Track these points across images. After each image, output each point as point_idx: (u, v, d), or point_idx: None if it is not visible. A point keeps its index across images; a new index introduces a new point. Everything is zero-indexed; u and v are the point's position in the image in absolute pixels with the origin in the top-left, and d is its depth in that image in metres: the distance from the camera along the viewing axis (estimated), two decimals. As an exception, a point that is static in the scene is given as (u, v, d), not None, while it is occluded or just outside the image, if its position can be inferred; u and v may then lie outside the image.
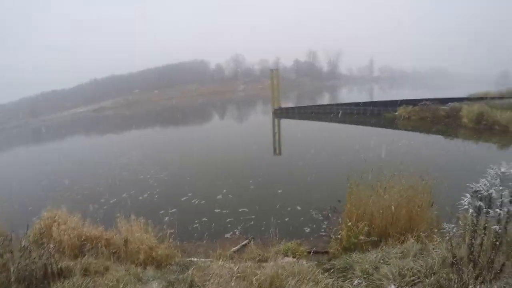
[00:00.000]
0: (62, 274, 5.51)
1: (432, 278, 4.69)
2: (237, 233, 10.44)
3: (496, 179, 4.80)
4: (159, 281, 5.84)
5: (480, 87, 43.13)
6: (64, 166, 20.84)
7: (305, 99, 74.15)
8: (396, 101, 35.51)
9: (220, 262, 6.30)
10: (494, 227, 4.31)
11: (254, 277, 5.17)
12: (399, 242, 7.02)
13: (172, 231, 8.37)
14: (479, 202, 4.45)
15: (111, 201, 13.38)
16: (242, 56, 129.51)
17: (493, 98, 31.35)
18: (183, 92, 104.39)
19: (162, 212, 11.16)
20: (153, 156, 22.66)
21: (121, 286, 5.17)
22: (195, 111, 65.38)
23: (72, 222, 7.75)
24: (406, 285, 4.86)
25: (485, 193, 4.48)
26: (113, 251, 7.15)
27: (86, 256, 6.48)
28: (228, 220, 11.36)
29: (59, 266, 5.55)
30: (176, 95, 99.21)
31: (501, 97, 31.30)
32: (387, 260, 5.91)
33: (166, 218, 9.95)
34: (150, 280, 5.92)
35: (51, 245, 5.74)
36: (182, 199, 13.52)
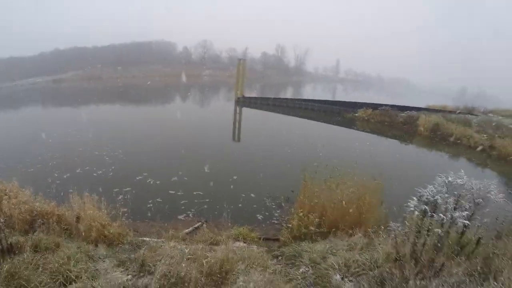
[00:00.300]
0: (12, 250, 5.30)
1: (376, 271, 4.90)
2: (190, 215, 10.35)
3: (443, 187, 5.08)
4: (110, 260, 5.78)
5: (438, 99, 44.95)
6: (15, 137, 19.78)
7: (269, 91, 74.20)
8: (358, 103, 36.55)
9: (171, 243, 6.29)
10: (437, 230, 4.55)
11: (204, 259, 5.19)
12: (347, 235, 7.27)
13: (125, 210, 8.20)
14: (425, 206, 4.69)
15: (65, 176, 12.77)
16: (210, 42, 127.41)
17: (450, 111, 32.91)
18: (148, 71, 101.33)
19: (116, 190, 10.84)
20: (110, 133, 21.79)
21: (72, 264, 5.07)
22: (157, 92, 63.89)
23: (23, 196, 7.40)
24: (351, 276, 5.05)
25: (431, 199, 4.73)
26: (65, 227, 6.93)
27: (37, 231, 6.24)
28: (183, 202, 11.23)
29: (9, 242, 5.34)
30: (139, 74, 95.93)
31: (458, 112, 32.89)
32: (334, 251, 6.12)
33: (120, 197, 9.70)
34: (102, 259, 5.84)
35: (1, 219, 5.49)
36: (137, 178, 13.19)
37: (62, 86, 66.25)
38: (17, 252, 5.30)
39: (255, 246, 7.08)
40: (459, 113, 32.25)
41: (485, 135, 23.72)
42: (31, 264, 4.94)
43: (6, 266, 4.71)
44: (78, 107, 36.84)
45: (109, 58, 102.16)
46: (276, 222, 10.08)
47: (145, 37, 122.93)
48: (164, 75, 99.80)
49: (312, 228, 7.63)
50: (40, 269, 4.94)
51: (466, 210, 4.90)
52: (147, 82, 75.36)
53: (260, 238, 7.97)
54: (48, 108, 36.29)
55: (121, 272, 5.32)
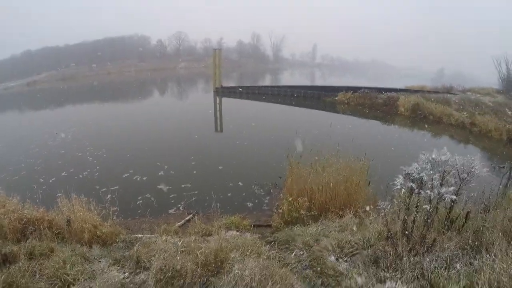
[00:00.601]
0: (7, 259, 5.26)
1: (369, 250, 5.00)
2: (180, 208, 10.31)
3: (427, 164, 5.18)
4: (106, 259, 5.74)
5: (417, 81, 45.45)
6: None
7: (247, 80, 73.75)
8: (337, 87, 36.58)
9: (164, 238, 6.29)
10: (426, 206, 4.66)
11: (198, 251, 5.20)
12: (338, 216, 7.38)
13: (115, 208, 8.15)
14: (411, 184, 4.78)
15: (50, 181, 12.47)
16: (185, 34, 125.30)
17: (429, 91, 33.40)
18: (123, 67, 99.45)
19: (104, 190, 10.67)
20: (91, 132, 21.20)
21: (68, 267, 5.02)
22: (134, 87, 62.41)
23: (11, 205, 7.21)
24: (345, 256, 5.15)
25: (417, 176, 4.82)
26: (57, 232, 6.83)
27: (30, 239, 6.13)
28: (172, 196, 11.18)
29: (3, 252, 5.29)
30: (115, 70, 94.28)
31: (436, 92, 33.38)
32: (327, 233, 6.21)
33: (109, 196, 9.58)
34: (97, 259, 5.80)
35: None
36: (124, 176, 13.04)
37: (37, 88, 64.30)
38: (12, 261, 5.26)
39: (248, 234, 7.12)
40: (438, 92, 32.74)
41: (465, 113, 24.19)
42: (27, 272, 4.90)
43: (3, 276, 4.65)
44: (55, 109, 36.00)
45: (82, 56, 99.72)
46: (266, 208, 10.14)
47: (118, 32, 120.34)
48: (140, 69, 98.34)
49: (302, 212, 7.73)
50: (37, 275, 4.92)
51: (452, 185, 5.01)
52: (123, 77, 74.37)
53: (252, 226, 8.03)
54: (25, 113, 35.22)
55: (118, 270, 5.30)
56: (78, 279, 4.84)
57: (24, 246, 5.77)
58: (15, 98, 50.25)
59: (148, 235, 7.34)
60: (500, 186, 7.91)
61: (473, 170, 5.19)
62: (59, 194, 7.46)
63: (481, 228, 4.83)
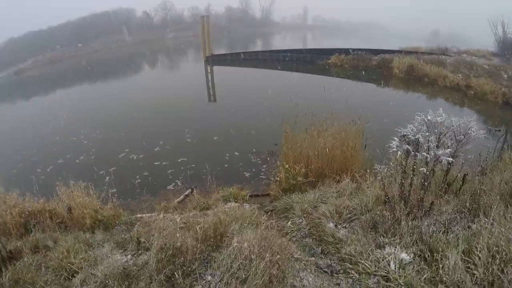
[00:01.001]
0: (13, 256, 5.23)
1: (367, 215, 5.02)
2: (179, 183, 10.34)
3: (423, 126, 5.12)
4: (108, 243, 5.73)
5: (411, 42, 44.72)
6: None
7: (237, 46, 72.33)
8: (329, 49, 35.99)
9: (161, 216, 6.28)
10: (422, 169, 4.62)
11: (197, 226, 5.20)
12: (335, 182, 7.39)
13: (114, 190, 8.15)
14: (407, 146, 4.73)
15: (48, 170, 12.37)
16: (171, 3, 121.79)
17: (423, 53, 32.89)
18: (110, 43, 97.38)
19: (101, 172, 10.67)
20: (83, 115, 20.63)
21: (73, 256, 5.00)
22: (123, 63, 61.27)
23: (11, 200, 7.17)
24: (343, 222, 5.17)
25: (412, 138, 4.77)
26: (58, 221, 6.82)
27: (33, 232, 6.15)
28: (169, 171, 11.21)
29: (8, 249, 5.27)
30: (101, 47, 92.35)
31: (431, 53, 32.90)
32: (324, 199, 6.23)
33: (107, 178, 9.54)
34: (100, 244, 5.79)
35: None
36: (120, 156, 12.97)
37: (25, 75, 63.10)
38: (18, 257, 5.26)
39: (247, 205, 7.16)
40: (432, 54, 32.34)
41: (460, 75, 23.98)
42: (32, 266, 4.91)
43: (9, 274, 4.66)
44: (45, 95, 35.34)
45: (67, 37, 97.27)
46: (264, 177, 10.19)
47: (102, 7, 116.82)
48: (127, 44, 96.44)
49: (300, 179, 7.73)
50: (43, 268, 4.91)
51: (448, 147, 4.98)
52: (110, 54, 72.93)
53: (250, 196, 8.06)
54: (17, 104, 34.57)
55: (120, 254, 5.31)
56: (82, 267, 4.85)
57: (28, 240, 5.80)
58: (3, 89, 49.37)
59: (149, 214, 7.36)
60: (496, 149, 7.92)
61: (469, 132, 5.15)
62: (58, 182, 7.38)
63: (478, 191, 4.82)
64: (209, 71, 35.10)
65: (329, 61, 33.08)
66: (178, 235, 4.85)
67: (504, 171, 6.05)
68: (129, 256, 5.16)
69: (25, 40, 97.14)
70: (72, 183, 7.32)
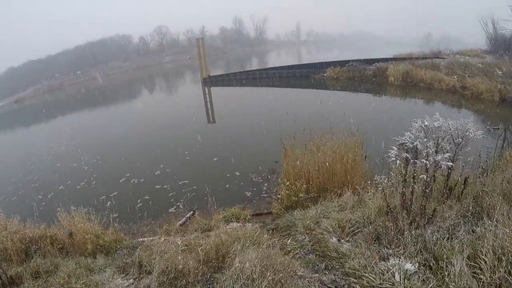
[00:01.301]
0: (13, 282, 5.20)
1: (370, 227, 4.93)
2: (180, 206, 10.28)
3: (421, 132, 5.08)
4: (110, 268, 5.67)
5: (404, 49, 45.09)
6: None
7: (234, 66, 72.96)
8: (324, 63, 36.34)
9: (162, 239, 6.21)
10: (422, 176, 4.56)
11: (199, 247, 5.13)
12: (336, 196, 7.31)
13: (115, 215, 8.12)
14: (406, 154, 4.68)
15: (49, 196, 12.42)
16: (166, 27, 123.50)
17: (417, 58, 33.23)
18: (107, 70, 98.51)
19: (102, 197, 10.62)
20: (83, 141, 20.98)
21: (74, 281, 4.93)
22: (121, 89, 61.85)
23: (12, 226, 7.15)
24: (346, 236, 5.08)
25: (411, 145, 4.72)
26: (59, 246, 6.79)
27: (34, 258, 6.11)
28: (171, 194, 11.18)
29: (8, 275, 5.23)
30: (100, 74, 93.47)
31: (425, 58, 33.15)
32: (327, 214, 6.15)
33: (108, 203, 9.51)
34: (102, 269, 5.73)
35: None
36: (120, 180, 12.98)
37: (26, 104, 63.87)
38: (18, 283, 5.22)
39: (249, 224, 7.08)
40: (426, 58, 32.54)
41: (455, 77, 24.05)
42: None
43: None
44: (46, 123, 35.79)
45: (66, 65, 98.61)
46: (265, 195, 10.11)
47: (99, 35, 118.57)
48: (125, 70, 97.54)
49: (301, 195, 7.64)
50: None
51: (447, 152, 4.92)
52: (109, 80, 73.85)
53: (252, 215, 7.98)
54: (18, 132, 34.84)
55: (122, 278, 5.24)
56: (84, 292, 4.78)
57: (29, 266, 5.73)
58: (5, 118, 49.79)
59: (150, 238, 7.28)
60: (496, 148, 7.84)
61: (467, 133, 5.10)
62: (59, 208, 7.34)
63: (480, 193, 4.76)
64: (207, 92, 35.42)
65: (325, 74, 33.43)
66: (179, 257, 4.81)
67: (505, 170, 5.96)
68: (130, 280, 5.10)
69: (24, 69, 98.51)
70: (73, 209, 7.29)
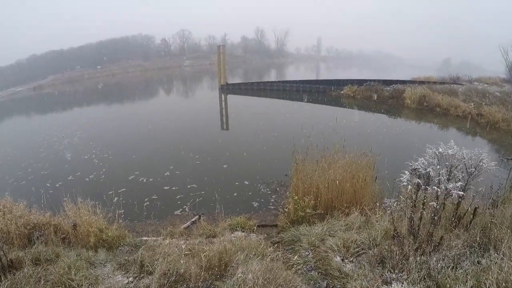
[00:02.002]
0: (13, 265, 5.22)
1: (375, 250, 4.90)
2: (186, 209, 10.30)
3: (434, 159, 5.07)
4: (111, 264, 5.70)
5: (423, 72, 44.98)
6: (3, 151, 19.30)
7: (252, 76, 73.69)
8: (342, 80, 36.41)
9: (167, 241, 6.23)
10: (432, 203, 4.54)
11: (203, 253, 5.14)
12: (344, 214, 7.28)
13: (121, 211, 8.15)
14: (418, 180, 4.67)
15: (57, 185, 12.58)
16: (188, 31, 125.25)
17: (435, 82, 33.06)
18: (127, 67, 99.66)
19: (110, 192, 10.69)
20: (97, 135, 21.42)
21: (73, 272, 4.95)
22: (140, 87, 62.43)
23: (18, 210, 7.27)
24: (351, 257, 5.06)
25: (423, 171, 4.70)
26: (62, 236, 6.83)
27: (36, 244, 6.16)
28: (178, 197, 11.20)
29: (8, 258, 5.25)
30: (120, 71, 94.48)
31: (443, 83, 32.92)
32: (332, 232, 6.12)
33: (116, 199, 9.58)
34: (102, 263, 5.76)
35: None
36: (129, 177, 13.08)
37: (43, 92, 64.77)
38: (18, 267, 5.23)
39: (254, 235, 7.07)
40: (444, 83, 32.35)
41: (472, 104, 23.84)
42: (32, 278, 4.85)
43: (7, 283, 4.64)
44: (62, 113, 36.29)
45: (87, 58, 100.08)
46: (272, 207, 10.08)
47: (122, 33, 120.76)
48: (144, 69, 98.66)
49: (308, 210, 7.62)
50: (42, 282, 4.84)
51: (459, 180, 4.90)
52: (128, 78, 74.66)
53: (258, 226, 7.97)
54: (32, 118, 35.35)
55: (122, 275, 5.26)
56: (82, 285, 4.79)
57: (30, 252, 5.75)
58: (22, 103, 50.64)
59: (154, 238, 7.32)
60: (508, 179, 7.74)
61: (480, 164, 5.08)
62: (65, 199, 7.40)
63: (489, 225, 4.71)
64: (223, 99, 35.63)
65: (342, 92, 33.42)
66: (182, 261, 4.82)
67: (516, 203, 5.90)
68: (130, 279, 5.10)
69: (46, 58, 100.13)
70: (80, 201, 7.33)
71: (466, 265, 4.02)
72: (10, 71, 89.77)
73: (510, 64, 38.29)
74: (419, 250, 4.45)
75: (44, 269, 5.13)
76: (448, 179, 4.97)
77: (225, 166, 13.97)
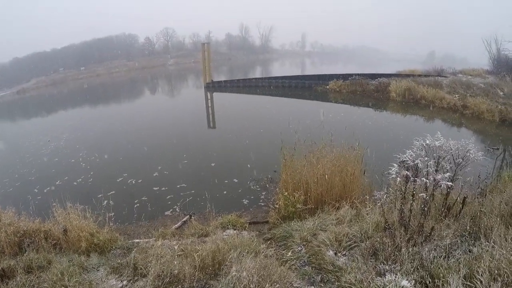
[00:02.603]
0: (5, 275, 5.17)
1: (368, 242, 4.94)
2: (177, 209, 10.24)
3: (422, 151, 5.12)
4: (104, 268, 5.65)
5: (408, 65, 45.36)
6: None
7: (237, 73, 73.53)
8: (327, 75, 36.54)
9: (160, 242, 6.21)
10: (422, 194, 4.59)
11: (196, 253, 5.12)
12: (334, 209, 7.32)
13: (111, 214, 8.08)
14: (406, 172, 4.71)
15: (45, 190, 12.38)
16: (172, 30, 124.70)
17: (419, 75, 33.38)
18: (111, 67, 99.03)
19: (99, 196, 10.56)
20: (82, 137, 21.12)
21: (66, 279, 4.89)
22: (124, 87, 61.81)
23: (6, 218, 7.10)
24: (343, 250, 5.09)
25: (411, 163, 4.75)
26: (53, 242, 6.73)
27: (27, 252, 6.06)
28: (168, 197, 11.15)
29: (0, 267, 5.21)
30: (104, 71, 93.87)
31: (427, 75, 33.27)
32: (324, 227, 6.14)
33: (105, 202, 9.50)
34: (95, 268, 5.71)
35: None
36: (118, 180, 12.97)
37: (27, 95, 63.97)
38: (10, 276, 5.18)
39: (246, 232, 7.07)
40: (429, 76, 32.65)
41: (457, 95, 24.15)
42: (25, 287, 4.80)
43: None
44: (47, 116, 35.89)
45: (71, 59, 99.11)
46: (263, 204, 10.09)
47: (106, 33, 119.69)
48: (129, 69, 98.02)
49: (299, 206, 7.64)
50: None
51: (447, 171, 4.96)
52: (112, 78, 74.09)
53: (249, 223, 7.97)
54: (18, 122, 34.82)
55: (116, 279, 5.22)
56: (76, 291, 4.75)
57: (21, 260, 5.68)
58: (6, 108, 49.79)
59: (146, 240, 7.27)
60: (494, 168, 7.88)
61: (468, 154, 5.16)
62: (54, 204, 7.30)
63: (478, 214, 4.79)
64: (209, 97, 35.52)
65: (327, 86, 33.59)
66: (175, 262, 4.81)
67: (504, 192, 6.00)
68: (124, 282, 5.07)
69: (29, 61, 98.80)
70: (69, 205, 7.22)
71: (458, 254, 4.07)
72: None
73: (493, 56, 38.73)
74: (410, 241, 4.50)
75: (37, 277, 5.08)
76: (436, 170, 5.04)
77: (213, 164, 13.95)
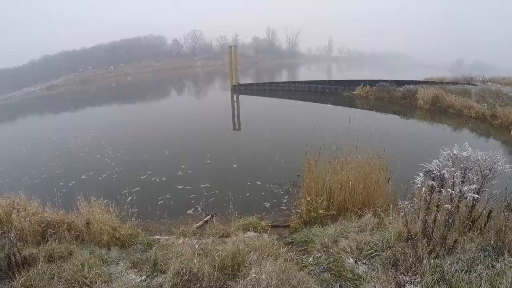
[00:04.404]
0: (27, 262, 5.34)
1: (389, 252, 4.90)
2: (199, 209, 10.33)
3: (448, 161, 5.04)
4: (124, 262, 5.79)
5: (436, 72, 44.42)
6: (18, 149, 19.56)
7: (263, 76, 73.77)
8: (354, 80, 36.23)
9: (181, 240, 6.29)
10: (447, 205, 4.52)
11: (216, 253, 5.18)
12: (357, 216, 7.26)
13: (134, 210, 8.23)
14: (432, 182, 4.65)
15: (70, 184, 12.72)
16: (199, 32, 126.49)
17: (447, 83, 32.63)
18: (139, 67, 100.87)
19: (124, 191, 10.80)
20: (109, 134, 21.88)
21: (86, 270, 5.05)
22: (151, 87, 63.04)
23: (32, 208, 7.39)
24: (363, 258, 5.06)
25: (438, 173, 4.68)
26: (76, 234, 6.94)
27: (49, 242, 6.25)
28: (192, 196, 11.25)
29: (22, 255, 5.37)
30: (132, 71, 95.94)
31: (456, 83, 32.50)
32: (345, 234, 6.12)
33: (129, 198, 9.66)
34: (115, 261, 5.86)
35: (12, 234, 5.49)
36: (142, 177, 13.18)
37: (56, 92, 65.71)
38: (31, 264, 5.34)
39: (266, 235, 7.08)
40: (457, 83, 31.92)
41: (485, 105, 23.51)
42: (46, 275, 4.95)
43: (21, 280, 4.75)
44: (75, 112, 36.87)
45: (100, 58, 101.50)
46: (285, 208, 10.06)
47: (134, 33, 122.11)
48: (156, 69, 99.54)
49: (321, 211, 7.62)
50: (56, 278, 4.94)
51: (474, 183, 4.88)
52: (140, 78, 75.28)
53: (270, 226, 7.99)
54: (46, 117, 35.99)
55: (135, 273, 5.34)
56: (95, 282, 4.87)
57: (43, 249, 5.86)
58: (36, 103, 51.36)
59: (166, 237, 7.39)
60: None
61: (495, 166, 5.05)
62: (79, 197, 7.48)
63: (503, 228, 4.68)
64: (235, 99, 35.74)
65: (354, 92, 33.31)
66: (195, 261, 4.87)
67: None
68: (143, 277, 5.18)
69: (59, 59, 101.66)
70: (93, 199, 7.42)
71: (480, 268, 4.00)
72: (22, 72, 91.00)
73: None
74: (432, 253, 4.45)
75: (57, 266, 5.26)
76: (463, 182, 4.95)
77: (236, 166, 14.03)
